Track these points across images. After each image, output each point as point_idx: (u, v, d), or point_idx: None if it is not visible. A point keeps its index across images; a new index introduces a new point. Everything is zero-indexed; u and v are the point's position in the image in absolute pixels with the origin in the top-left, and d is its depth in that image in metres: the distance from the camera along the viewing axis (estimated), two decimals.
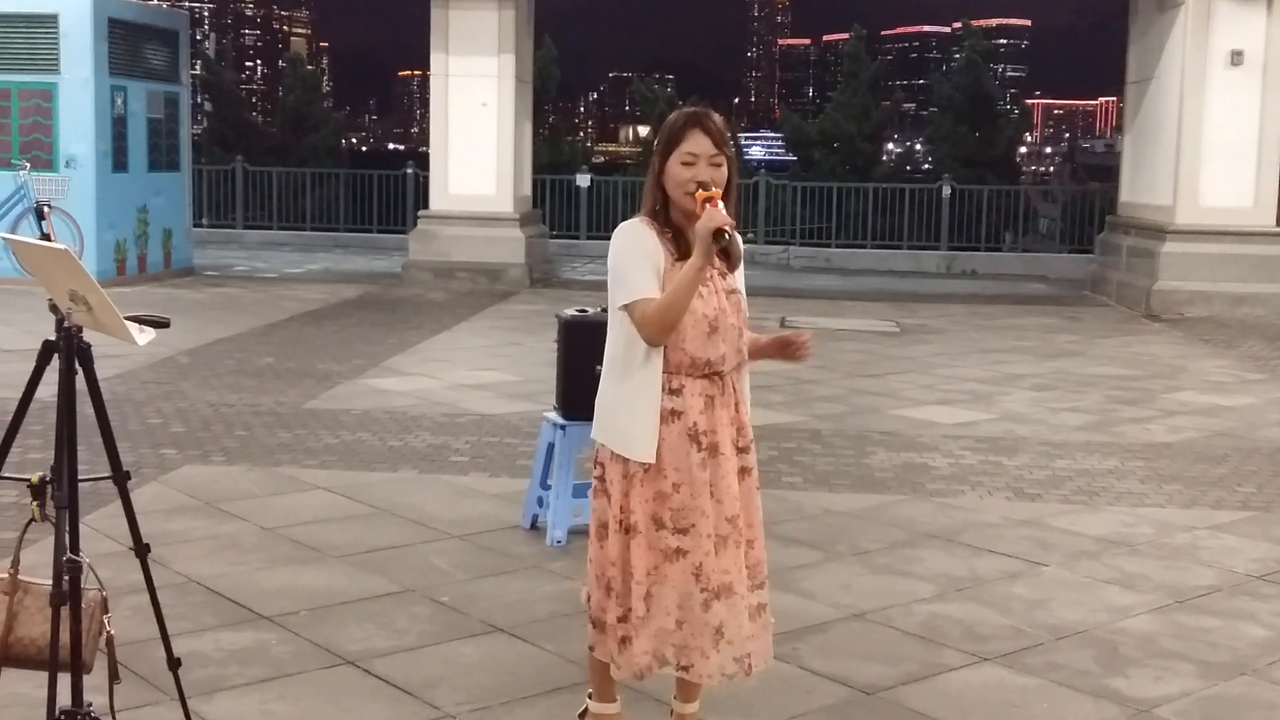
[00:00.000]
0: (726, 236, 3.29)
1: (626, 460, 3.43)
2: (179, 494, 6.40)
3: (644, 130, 31.97)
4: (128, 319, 3.14)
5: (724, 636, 3.41)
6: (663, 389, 3.41)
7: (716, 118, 3.49)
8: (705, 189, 3.36)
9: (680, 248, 3.45)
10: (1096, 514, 6.46)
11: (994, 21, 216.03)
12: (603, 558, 3.49)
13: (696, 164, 3.39)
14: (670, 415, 3.41)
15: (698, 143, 3.39)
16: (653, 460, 3.40)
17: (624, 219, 3.63)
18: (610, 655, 3.50)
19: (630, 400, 3.43)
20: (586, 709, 3.71)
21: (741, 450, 3.51)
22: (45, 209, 3.87)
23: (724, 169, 3.41)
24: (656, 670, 3.47)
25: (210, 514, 6.10)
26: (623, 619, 3.45)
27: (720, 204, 3.35)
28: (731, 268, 3.43)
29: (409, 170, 22.07)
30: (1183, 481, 7.16)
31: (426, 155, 17.27)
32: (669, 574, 3.41)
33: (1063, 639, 4.74)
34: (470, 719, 3.96)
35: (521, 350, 11.14)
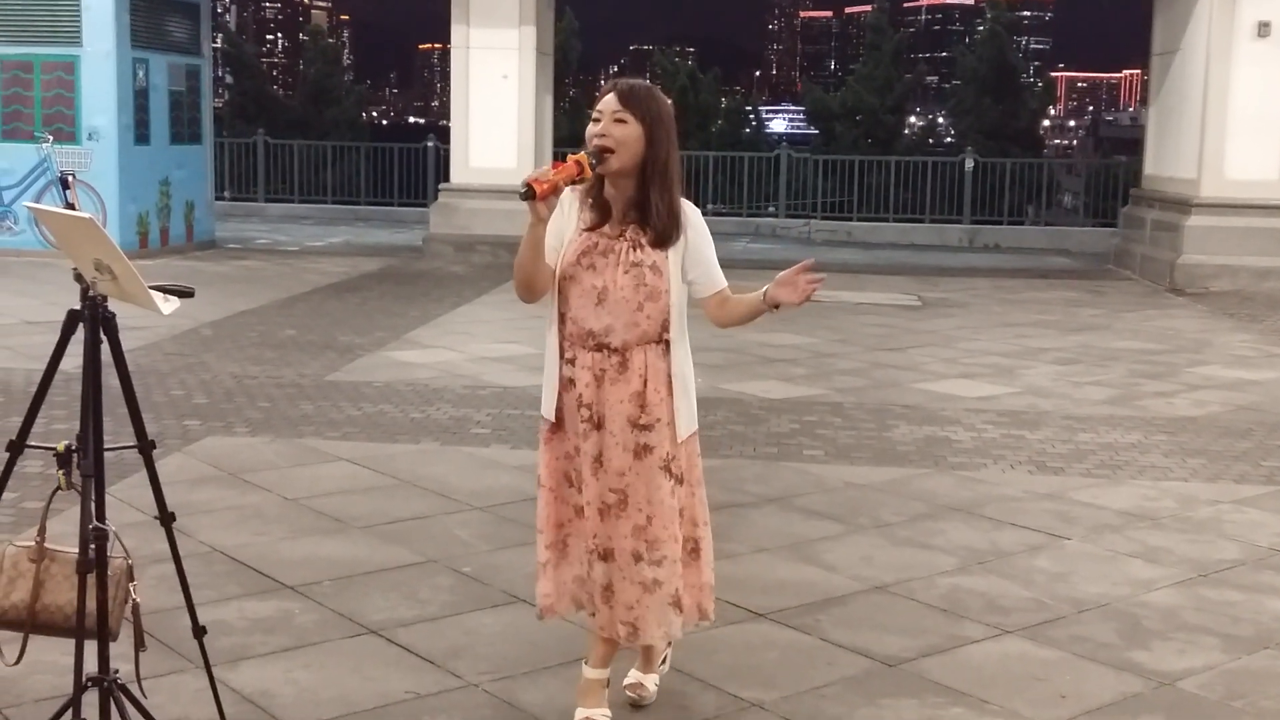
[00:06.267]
0: (523, 189, 3.31)
1: (544, 418, 3.68)
2: (203, 464, 6.43)
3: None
4: (152, 288, 3.15)
5: (613, 595, 3.61)
6: (561, 358, 3.61)
7: (648, 91, 3.51)
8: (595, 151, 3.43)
9: (598, 216, 3.55)
10: (1119, 488, 6.44)
11: None
12: None
13: (601, 120, 3.48)
14: (568, 383, 3.61)
15: (605, 101, 3.50)
16: (552, 418, 3.63)
17: None
18: None
19: (546, 362, 3.67)
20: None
21: (642, 428, 3.54)
22: (70, 178, 3.91)
23: (627, 127, 3.45)
24: (569, 612, 3.74)
25: (234, 484, 6.13)
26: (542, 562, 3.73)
27: (580, 163, 3.38)
28: (539, 214, 3.34)
29: (429, 143, 22.06)
30: (1207, 456, 7.12)
31: (447, 128, 17.25)
32: (579, 527, 3.66)
33: (1085, 612, 4.73)
34: (492, 688, 3.98)
35: (542, 323, 11.06)
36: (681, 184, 3.60)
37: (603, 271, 3.51)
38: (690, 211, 3.59)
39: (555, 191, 3.36)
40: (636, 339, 3.53)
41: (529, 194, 3.31)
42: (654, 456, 3.55)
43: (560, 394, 3.61)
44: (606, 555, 3.59)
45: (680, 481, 3.61)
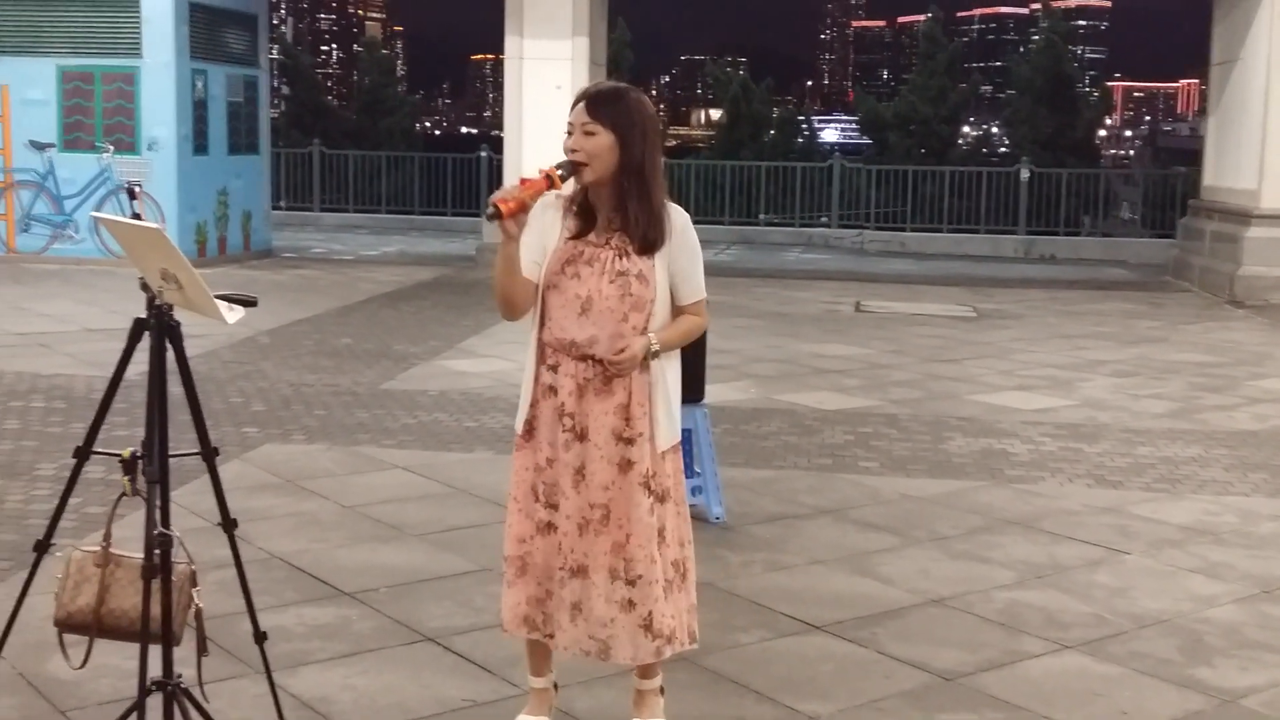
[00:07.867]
0: (490, 209, 3.26)
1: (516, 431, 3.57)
2: (261, 472, 6.49)
3: (716, 113, 31.76)
4: (216, 297, 3.18)
5: (580, 613, 3.49)
6: (542, 363, 3.49)
7: (617, 96, 3.41)
8: (564, 165, 3.37)
9: (583, 224, 3.46)
10: (1180, 502, 6.36)
11: (1073, 2, 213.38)
12: None
13: (572, 133, 3.41)
14: (548, 391, 3.48)
15: (576, 112, 3.42)
16: (519, 430, 3.52)
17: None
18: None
19: (525, 371, 3.55)
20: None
21: (626, 441, 3.43)
22: (136, 189, 3.94)
23: (597, 138, 3.36)
24: (526, 633, 3.59)
25: (291, 492, 6.18)
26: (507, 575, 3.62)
27: (550, 176, 3.31)
28: (509, 232, 3.30)
29: (483, 153, 22.18)
30: (1268, 470, 7.03)
31: (500, 139, 17.33)
32: (540, 545, 3.52)
33: (1146, 627, 4.67)
34: None
35: None
36: (664, 185, 3.50)
37: (587, 280, 3.40)
38: (676, 216, 3.46)
39: (523, 209, 3.29)
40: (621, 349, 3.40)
41: (495, 214, 3.25)
42: (635, 472, 3.43)
43: (538, 401, 3.48)
44: (579, 571, 3.46)
45: (661, 500, 3.48)
